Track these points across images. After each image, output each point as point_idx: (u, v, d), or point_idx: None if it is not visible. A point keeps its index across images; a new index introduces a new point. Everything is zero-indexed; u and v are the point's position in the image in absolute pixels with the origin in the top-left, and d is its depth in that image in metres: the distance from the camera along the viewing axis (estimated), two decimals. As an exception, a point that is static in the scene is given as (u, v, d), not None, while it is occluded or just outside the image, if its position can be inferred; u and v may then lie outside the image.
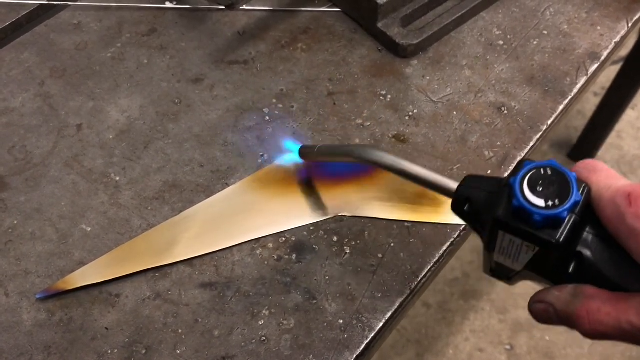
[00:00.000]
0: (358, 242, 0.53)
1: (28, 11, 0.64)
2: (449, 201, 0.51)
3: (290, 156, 0.57)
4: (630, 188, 0.34)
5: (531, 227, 0.36)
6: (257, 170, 0.56)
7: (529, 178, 0.37)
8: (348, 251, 0.52)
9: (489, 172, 0.56)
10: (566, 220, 0.36)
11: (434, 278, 0.53)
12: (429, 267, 0.52)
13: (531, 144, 0.58)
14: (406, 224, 0.53)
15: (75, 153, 0.56)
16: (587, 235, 0.36)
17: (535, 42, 0.64)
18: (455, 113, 0.59)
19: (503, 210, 0.37)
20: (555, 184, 0.36)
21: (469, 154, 0.57)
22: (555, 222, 0.35)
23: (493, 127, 0.59)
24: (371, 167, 0.56)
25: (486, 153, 0.57)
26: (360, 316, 0.49)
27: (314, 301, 0.50)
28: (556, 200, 0.36)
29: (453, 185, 0.43)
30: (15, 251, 0.51)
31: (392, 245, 0.52)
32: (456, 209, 0.42)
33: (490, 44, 0.64)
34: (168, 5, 0.66)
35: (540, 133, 0.59)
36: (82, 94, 0.60)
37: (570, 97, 0.61)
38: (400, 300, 0.50)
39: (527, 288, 1.39)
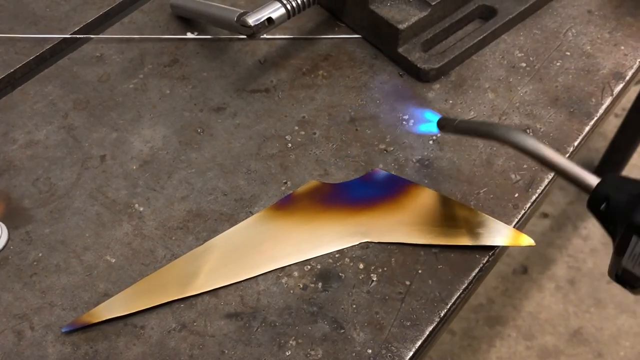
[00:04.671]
0: (385, 269, 0.52)
1: (51, 45, 0.65)
2: (480, 223, 0.50)
3: (428, 126, 0.57)
4: None
5: None
6: (280, 198, 0.56)
7: None
8: (375, 279, 0.51)
9: (516, 195, 0.55)
10: None
11: (463, 305, 0.52)
12: (459, 294, 0.51)
13: (558, 166, 0.57)
14: (433, 249, 0.52)
15: (99, 184, 0.56)
16: None
17: (558, 64, 0.64)
18: (479, 136, 0.59)
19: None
20: None
21: (495, 178, 0.56)
22: None
23: (519, 150, 0.58)
24: (395, 191, 0.56)
25: (512, 176, 0.56)
26: (390, 345, 0.48)
27: (342, 330, 0.49)
28: None
29: (593, 180, 0.42)
30: (40, 284, 0.51)
31: (420, 272, 0.51)
32: (592, 206, 0.41)
33: (512, 66, 0.64)
34: (189, 35, 0.66)
35: (567, 155, 0.58)
36: (105, 125, 0.60)
37: (596, 118, 0.60)
38: (430, 328, 0.49)
39: (553, 314, 1.36)
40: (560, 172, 0.44)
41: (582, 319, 1.30)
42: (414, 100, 0.59)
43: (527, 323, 1.32)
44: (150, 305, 0.50)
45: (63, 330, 0.49)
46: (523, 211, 0.55)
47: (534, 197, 0.55)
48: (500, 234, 0.53)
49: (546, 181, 0.56)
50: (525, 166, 0.57)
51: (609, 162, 1.47)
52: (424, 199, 0.55)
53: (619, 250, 0.38)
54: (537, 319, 1.32)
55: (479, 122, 0.53)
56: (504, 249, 0.54)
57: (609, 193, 0.40)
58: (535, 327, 1.32)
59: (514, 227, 0.54)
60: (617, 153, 1.44)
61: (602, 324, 1.29)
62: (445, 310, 0.50)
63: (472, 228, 0.53)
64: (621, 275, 0.40)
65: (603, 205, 0.40)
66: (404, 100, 0.60)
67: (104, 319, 0.49)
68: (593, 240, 1.41)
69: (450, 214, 0.54)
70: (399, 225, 0.54)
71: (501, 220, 0.53)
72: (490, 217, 0.53)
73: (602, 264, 1.36)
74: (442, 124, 0.55)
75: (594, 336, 1.28)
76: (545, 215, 1.44)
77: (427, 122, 0.58)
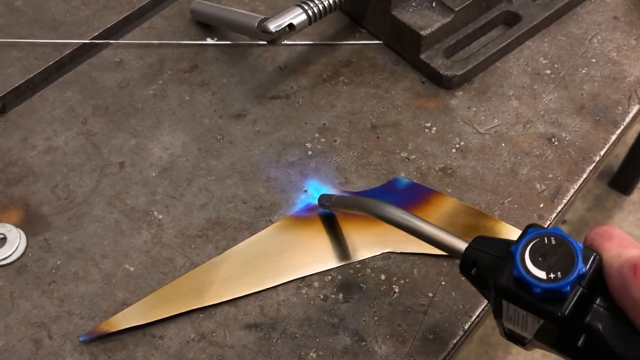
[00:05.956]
0: (407, 280, 0.51)
1: (71, 50, 0.65)
2: (503, 234, 0.49)
3: (311, 200, 0.55)
4: (638, 259, 0.32)
5: (533, 299, 0.34)
6: (300, 206, 0.55)
7: (531, 247, 0.35)
8: (397, 290, 0.50)
9: (541, 205, 0.54)
10: (571, 294, 0.33)
11: (487, 317, 0.51)
12: (483, 306, 0.50)
13: (584, 175, 0.56)
14: (457, 260, 0.51)
15: (117, 191, 0.56)
16: (598, 307, 0.34)
17: (583, 71, 0.62)
18: (503, 145, 0.58)
19: (506, 278, 0.36)
20: (559, 254, 0.34)
21: (520, 187, 0.55)
22: (557, 295, 0.33)
23: (544, 159, 0.57)
24: (418, 200, 0.55)
25: (537, 186, 0.55)
26: (412, 359, 0.47)
27: (363, 343, 0.48)
28: (559, 273, 0.34)
29: (462, 246, 0.41)
30: (59, 292, 0.51)
31: (443, 283, 0.50)
32: (463, 271, 0.41)
33: (537, 73, 0.62)
34: (209, 41, 0.66)
35: (593, 164, 0.57)
36: (124, 131, 0.60)
37: (622, 127, 0.59)
38: (454, 341, 0.48)
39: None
40: (430, 241, 0.43)
41: (601, 327, 1.28)
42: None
43: (544, 331, 1.30)
44: (168, 315, 0.49)
45: (81, 339, 0.48)
46: (548, 222, 0.53)
47: (559, 208, 0.54)
48: None
49: (572, 191, 0.55)
50: (550, 176, 0.56)
51: (629, 168, 1.45)
52: (447, 208, 0.54)
53: (496, 314, 0.38)
54: (555, 327, 1.30)
55: (353, 197, 0.53)
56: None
57: (476, 257, 0.39)
58: (552, 335, 1.30)
59: (539, 238, 0.52)
60: (637, 159, 1.42)
61: (622, 333, 1.27)
62: (469, 323, 0.49)
63: None
64: (509, 334, 0.39)
65: (473, 270, 0.40)
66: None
67: (122, 328, 0.48)
68: (612, 248, 1.39)
69: (473, 224, 0.53)
70: (421, 235, 0.53)
71: (526, 231, 0.52)
72: (514, 228, 0.52)
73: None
74: (322, 200, 0.54)
75: (613, 345, 1.26)
76: (563, 222, 1.43)
77: (310, 196, 0.56)
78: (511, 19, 0.65)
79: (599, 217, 1.45)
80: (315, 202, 0.55)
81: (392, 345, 0.48)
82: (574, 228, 1.42)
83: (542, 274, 0.34)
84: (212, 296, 0.50)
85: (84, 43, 0.65)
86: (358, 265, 0.52)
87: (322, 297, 0.50)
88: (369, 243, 0.53)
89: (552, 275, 0.34)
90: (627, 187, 1.47)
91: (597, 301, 0.34)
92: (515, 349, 1.29)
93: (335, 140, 0.59)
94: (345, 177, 0.57)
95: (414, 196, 0.55)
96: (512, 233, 0.52)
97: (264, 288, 0.51)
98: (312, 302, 0.50)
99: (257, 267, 0.52)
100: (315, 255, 0.52)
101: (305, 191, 0.56)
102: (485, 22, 0.64)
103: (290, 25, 0.57)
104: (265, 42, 0.59)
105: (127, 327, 0.49)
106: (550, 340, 0.36)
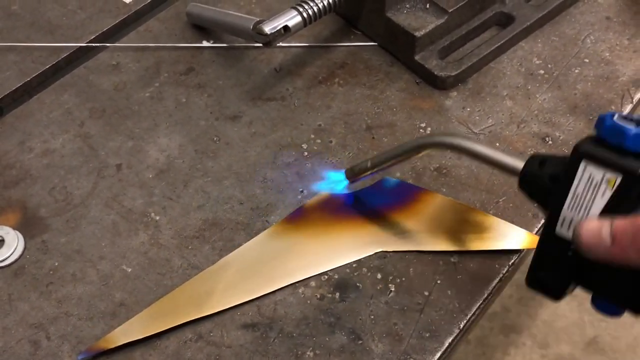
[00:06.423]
0: (403, 279, 0.51)
1: (67, 54, 0.65)
2: (493, 227, 0.49)
3: (332, 186, 0.56)
4: None
5: (618, 153, 0.35)
6: (296, 207, 0.55)
7: (617, 115, 0.36)
8: (393, 289, 0.51)
9: (535, 203, 0.54)
10: None
11: (482, 315, 0.51)
12: (478, 305, 0.50)
13: (578, 174, 0.56)
14: (452, 259, 0.52)
15: (115, 193, 0.56)
16: None
17: (576, 71, 0.63)
18: (498, 144, 0.58)
19: (587, 145, 0.37)
20: None
21: (515, 186, 0.55)
22: None
23: (538, 158, 0.57)
24: (407, 198, 0.55)
25: (532, 185, 0.56)
26: (408, 357, 0.47)
27: (360, 342, 0.48)
28: None
29: (519, 163, 0.43)
30: (57, 293, 0.51)
31: (439, 282, 0.51)
32: (522, 185, 0.43)
33: (530, 73, 0.63)
34: (205, 44, 0.66)
35: (587, 163, 0.57)
36: (121, 133, 0.60)
37: (616, 126, 0.59)
38: (450, 339, 0.48)
39: (569, 323, 1.34)
40: (488, 161, 0.45)
41: (597, 327, 1.28)
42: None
43: (542, 331, 1.31)
44: (167, 327, 0.49)
45: (79, 358, 0.48)
46: (543, 220, 0.54)
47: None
48: (515, 237, 0.52)
49: (566, 190, 0.55)
50: (544, 175, 0.56)
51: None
52: (437, 205, 0.55)
53: (555, 209, 0.39)
54: (552, 328, 1.30)
55: (394, 147, 0.52)
56: (523, 259, 0.53)
57: (536, 172, 0.41)
58: (550, 336, 1.30)
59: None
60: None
61: (619, 332, 1.27)
62: (465, 321, 0.49)
63: (487, 233, 0.52)
64: (544, 277, 0.41)
65: (533, 182, 0.41)
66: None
67: (121, 344, 0.48)
68: (609, 248, 1.39)
69: (464, 220, 0.53)
70: (413, 233, 0.53)
71: (521, 230, 0.53)
72: (504, 221, 0.53)
73: (619, 272, 1.35)
74: (352, 172, 0.53)
75: (610, 345, 1.26)
76: (560, 223, 1.43)
77: (332, 184, 0.56)
78: (505, 20, 0.65)
79: (595, 217, 1.45)
80: (338, 190, 0.55)
81: (388, 343, 0.48)
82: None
83: (631, 125, 0.35)
84: (210, 306, 0.50)
85: (80, 46, 0.65)
86: (354, 265, 0.52)
87: (318, 296, 0.51)
88: (362, 243, 0.53)
89: None
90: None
91: None
92: (513, 350, 1.29)
93: (331, 141, 0.59)
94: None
95: (402, 195, 0.56)
96: (502, 227, 0.53)
97: (261, 294, 0.50)
98: (308, 302, 0.50)
99: (254, 274, 0.52)
100: (310, 259, 0.52)
101: (302, 191, 0.56)
102: (479, 23, 0.64)
103: (286, 28, 0.58)
104: (261, 45, 0.59)
105: (125, 342, 0.48)
106: (621, 209, 0.36)
